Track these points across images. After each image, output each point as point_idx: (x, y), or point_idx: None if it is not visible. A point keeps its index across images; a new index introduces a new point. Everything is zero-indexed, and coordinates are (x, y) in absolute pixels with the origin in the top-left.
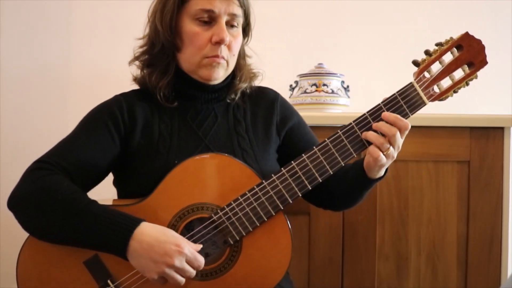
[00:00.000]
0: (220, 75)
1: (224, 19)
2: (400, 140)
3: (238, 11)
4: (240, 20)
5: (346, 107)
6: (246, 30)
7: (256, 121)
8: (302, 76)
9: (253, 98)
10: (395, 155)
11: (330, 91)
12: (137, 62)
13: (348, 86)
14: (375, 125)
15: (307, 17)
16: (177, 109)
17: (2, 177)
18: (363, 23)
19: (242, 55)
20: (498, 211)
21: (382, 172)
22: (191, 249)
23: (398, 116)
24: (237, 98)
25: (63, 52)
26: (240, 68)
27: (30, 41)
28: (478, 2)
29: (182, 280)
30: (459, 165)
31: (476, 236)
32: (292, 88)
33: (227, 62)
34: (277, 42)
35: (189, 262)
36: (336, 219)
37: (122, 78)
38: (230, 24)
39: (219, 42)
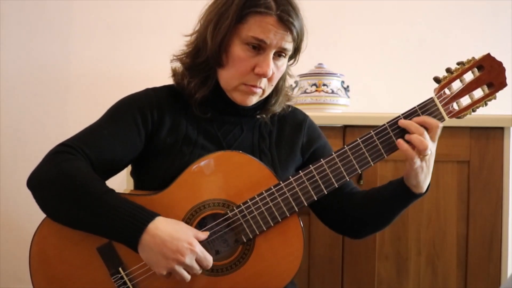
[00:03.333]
0: (253, 102)
1: (272, 51)
2: (431, 143)
3: (289, 46)
4: (289, 53)
5: (346, 107)
6: (294, 54)
7: (281, 140)
8: (302, 76)
9: (281, 118)
10: (431, 159)
11: (330, 91)
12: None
13: (348, 86)
14: (401, 122)
15: (307, 17)
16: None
17: (2, 177)
18: (363, 23)
19: (283, 77)
20: (498, 211)
21: (423, 186)
22: (202, 248)
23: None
24: (266, 117)
25: (63, 52)
26: (278, 90)
27: (30, 41)
28: (478, 2)
29: (188, 277)
30: (459, 165)
31: (476, 236)
32: (292, 88)
33: (264, 91)
34: None
35: (198, 261)
36: None
37: (122, 78)
38: (277, 54)
39: (261, 75)
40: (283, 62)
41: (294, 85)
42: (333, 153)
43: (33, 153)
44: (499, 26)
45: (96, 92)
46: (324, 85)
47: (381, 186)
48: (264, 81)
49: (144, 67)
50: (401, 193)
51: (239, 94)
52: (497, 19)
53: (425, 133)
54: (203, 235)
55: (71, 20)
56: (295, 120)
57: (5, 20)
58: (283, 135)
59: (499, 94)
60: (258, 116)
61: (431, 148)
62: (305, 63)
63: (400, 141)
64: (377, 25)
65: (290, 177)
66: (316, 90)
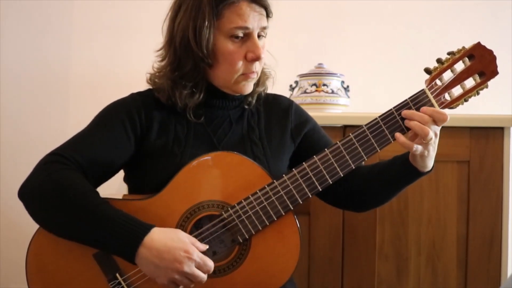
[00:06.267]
0: (251, 88)
1: (256, 33)
2: (435, 128)
3: (267, 23)
4: (267, 31)
5: (346, 107)
6: None
7: (270, 128)
8: (302, 76)
9: (267, 105)
10: (436, 142)
11: (330, 91)
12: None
13: (348, 86)
14: (404, 112)
15: (307, 17)
16: None
17: (2, 177)
18: (363, 23)
19: None
20: (498, 211)
21: (429, 165)
22: (200, 253)
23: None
24: (253, 101)
25: (64, 52)
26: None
27: (30, 41)
28: (478, 3)
29: (191, 285)
30: (459, 165)
31: (476, 236)
32: (292, 88)
33: (258, 74)
34: (277, 42)
35: (198, 267)
36: (336, 219)
37: (123, 79)
38: (258, 35)
39: (255, 60)
40: (264, 41)
41: (294, 85)
42: (326, 149)
43: (33, 154)
44: (498, 26)
45: (96, 92)
46: (324, 85)
47: (386, 162)
48: (257, 65)
49: (145, 67)
50: (408, 172)
51: (240, 85)
52: (496, 20)
53: (430, 122)
54: (202, 246)
55: (72, 21)
56: (281, 106)
57: (5, 20)
58: (271, 123)
59: (499, 95)
60: (246, 106)
61: (436, 130)
62: (305, 63)
63: (397, 135)
64: (377, 25)
65: (284, 175)
66: (316, 90)
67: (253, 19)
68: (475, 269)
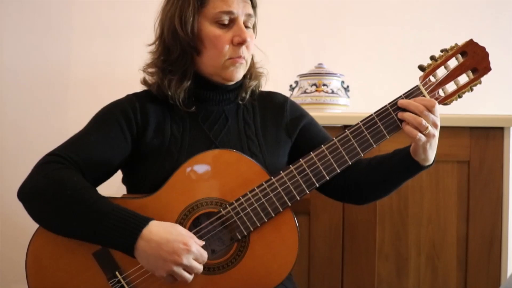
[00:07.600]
0: (241, 75)
1: (242, 20)
2: (433, 117)
3: (252, 12)
4: (253, 21)
5: (346, 107)
6: (253, 28)
7: (266, 125)
8: (302, 76)
9: (262, 102)
10: (436, 133)
11: (330, 91)
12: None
13: (348, 86)
14: (401, 101)
15: (307, 17)
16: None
17: (2, 177)
18: (363, 23)
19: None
20: (498, 211)
21: (431, 158)
22: (197, 246)
23: (422, 98)
24: (247, 96)
25: (64, 52)
26: (250, 66)
27: (31, 41)
28: (479, 3)
29: (190, 277)
30: (459, 165)
31: (476, 236)
32: (292, 88)
33: (246, 61)
34: (277, 42)
35: (196, 260)
36: (336, 219)
37: (123, 79)
38: (245, 25)
39: (241, 43)
40: (251, 32)
41: (294, 85)
42: (322, 145)
43: (33, 155)
44: (498, 26)
45: (96, 92)
46: (324, 85)
47: (385, 155)
48: (245, 50)
49: None
50: (408, 166)
51: (228, 71)
52: (496, 20)
53: (425, 110)
54: (199, 242)
55: (71, 21)
56: (276, 102)
57: (5, 20)
58: (267, 119)
59: (499, 95)
60: (240, 102)
61: (435, 120)
62: (305, 63)
63: (403, 123)
64: (377, 25)
65: (281, 171)
66: (316, 90)
67: (238, 5)
68: (475, 269)
